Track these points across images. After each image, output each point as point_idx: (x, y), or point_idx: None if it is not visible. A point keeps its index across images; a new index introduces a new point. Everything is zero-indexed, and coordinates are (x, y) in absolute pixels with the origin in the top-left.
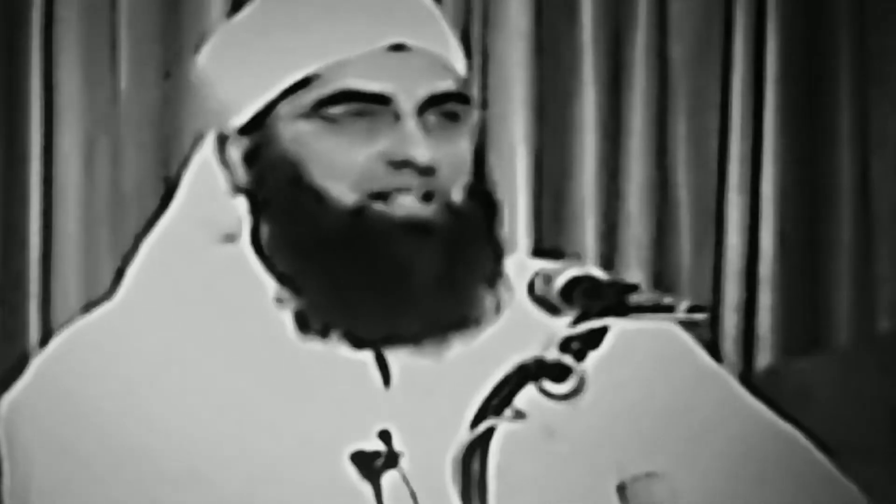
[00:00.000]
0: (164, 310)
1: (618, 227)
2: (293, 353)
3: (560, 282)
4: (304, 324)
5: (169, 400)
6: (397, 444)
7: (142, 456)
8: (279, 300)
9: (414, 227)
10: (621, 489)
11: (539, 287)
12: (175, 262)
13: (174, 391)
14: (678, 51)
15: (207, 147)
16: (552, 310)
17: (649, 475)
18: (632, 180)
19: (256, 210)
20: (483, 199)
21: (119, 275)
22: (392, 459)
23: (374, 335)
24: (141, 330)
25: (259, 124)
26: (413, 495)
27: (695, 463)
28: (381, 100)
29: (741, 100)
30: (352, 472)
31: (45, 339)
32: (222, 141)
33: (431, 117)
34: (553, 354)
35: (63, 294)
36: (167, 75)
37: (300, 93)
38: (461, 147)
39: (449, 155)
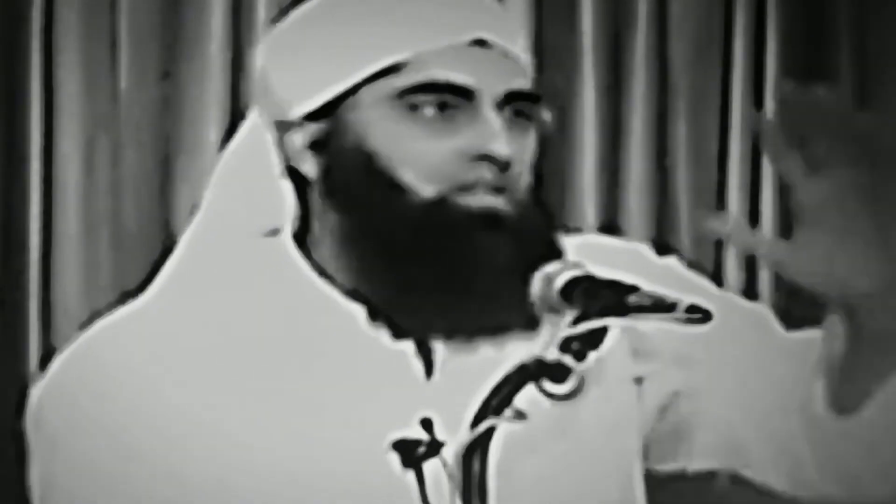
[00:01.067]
0: (200, 303)
1: (617, 227)
2: (334, 344)
3: (560, 282)
4: (374, 314)
5: (204, 393)
6: (439, 433)
7: (174, 446)
8: (350, 292)
9: (489, 221)
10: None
11: (539, 287)
12: (211, 256)
13: (211, 384)
14: (678, 51)
15: (250, 136)
16: (552, 310)
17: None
18: (632, 180)
19: (304, 199)
20: (543, 203)
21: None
22: (434, 447)
23: (440, 328)
24: (174, 320)
25: (328, 112)
26: (454, 483)
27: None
28: (465, 93)
29: (741, 100)
30: (394, 459)
31: (45, 339)
32: (283, 128)
33: (506, 114)
34: (553, 354)
35: (63, 294)
36: (167, 75)
37: (382, 81)
38: (529, 146)
39: (519, 152)
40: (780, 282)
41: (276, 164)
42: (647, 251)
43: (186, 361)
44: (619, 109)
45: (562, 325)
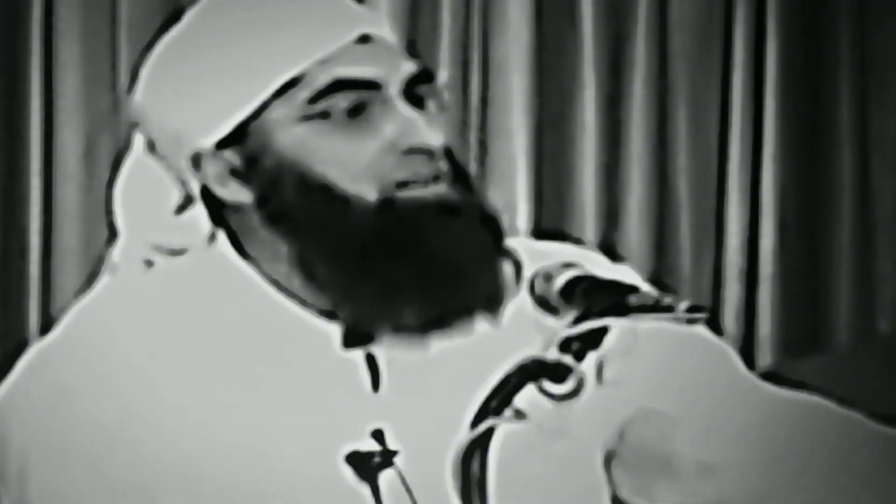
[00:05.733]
0: (157, 310)
1: (617, 227)
2: (284, 356)
3: (560, 282)
4: (351, 334)
5: (161, 398)
6: (391, 443)
7: (136, 455)
8: (327, 313)
9: (441, 209)
10: (608, 460)
11: (539, 287)
12: (161, 265)
13: (166, 389)
14: (678, 51)
15: (134, 167)
16: (552, 310)
17: (642, 413)
18: (632, 181)
19: (220, 217)
20: (464, 177)
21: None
22: (387, 458)
23: (428, 326)
24: (129, 328)
25: (240, 136)
26: (410, 493)
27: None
28: (372, 86)
29: (741, 100)
30: (348, 472)
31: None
32: (196, 160)
33: (413, 100)
34: (553, 354)
35: (63, 294)
36: None
37: (285, 97)
38: (438, 126)
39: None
40: (780, 297)
41: (170, 188)
42: (598, 258)
43: (143, 368)
44: (619, 109)
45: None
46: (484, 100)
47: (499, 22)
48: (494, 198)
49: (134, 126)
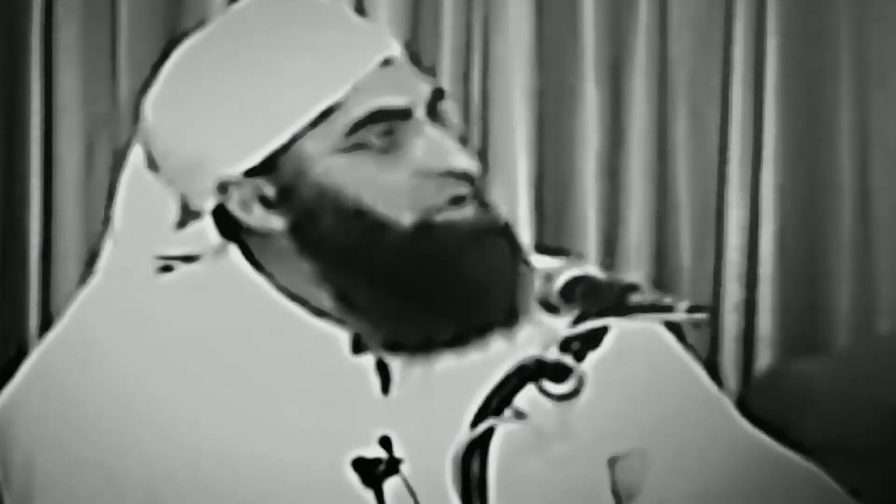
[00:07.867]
0: (164, 313)
1: (618, 228)
2: (292, 360)
3: (560, 282)
4: (359, 343)
5: (167, 400)
6: (398, 450)
7: (142, 458)
8: (336, 319)
9: (472, 232)
10: (612, 462)
11: (539, 287)
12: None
13: (171, 392)
14: (678, 51)
15: (134, 176)
16: (552, 310)
17: (631, 451)
18: (632, 181)
19: (231, 235)
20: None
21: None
22: (393, 465)
23: (442, 343)
24: (139, 334)
25: (272, 165)
26: (416, 501)
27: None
28: (405, 114)
29: (741, 100)
30: (353, 478)
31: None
32: (222, 187)
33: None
34: (553, 354)
35: (63, 294)
36: None
37: (322, 126)
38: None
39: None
40: (779, 297)
41: (170, 201)
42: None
43: (149, 371)
44: (619, 109)
45: (546, 325)
46: (484, 99)
47: (499, 21)
48: (495, 196)
49: (136, 137)
